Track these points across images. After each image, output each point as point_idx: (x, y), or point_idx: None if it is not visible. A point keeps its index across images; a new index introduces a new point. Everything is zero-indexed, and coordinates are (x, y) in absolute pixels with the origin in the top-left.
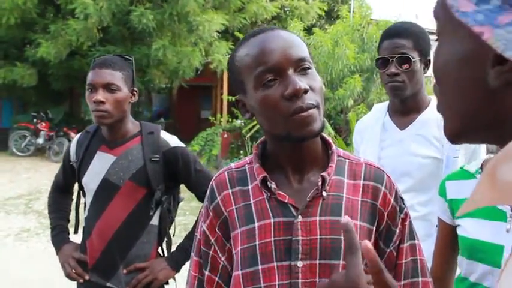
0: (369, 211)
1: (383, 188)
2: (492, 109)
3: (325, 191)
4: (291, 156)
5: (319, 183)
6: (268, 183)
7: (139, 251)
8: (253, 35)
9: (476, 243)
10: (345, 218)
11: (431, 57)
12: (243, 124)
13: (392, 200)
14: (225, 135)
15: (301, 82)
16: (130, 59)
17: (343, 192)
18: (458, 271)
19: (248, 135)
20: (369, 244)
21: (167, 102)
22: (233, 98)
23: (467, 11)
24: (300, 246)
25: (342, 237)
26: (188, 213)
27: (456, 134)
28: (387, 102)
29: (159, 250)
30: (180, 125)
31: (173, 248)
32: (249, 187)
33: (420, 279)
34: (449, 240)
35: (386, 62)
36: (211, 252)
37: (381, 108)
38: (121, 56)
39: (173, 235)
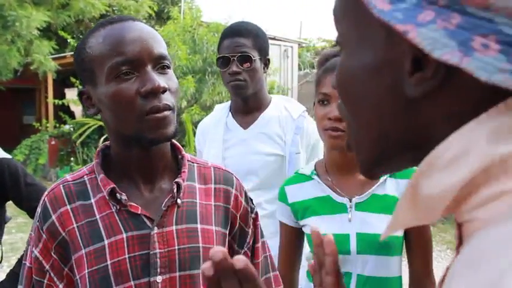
0: (222, 215)
1: (234, 191)
2: (412, 124)
3: (179, 198)
4: (141, 162)
5: (174, 190)
6: (118, 194)
7: None
8: (111, 23)
9: None
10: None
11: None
12: (72, 129)
13: (243, 201)
14: (53, 142)
15: (160, 80)
16: None
17: (196, 198)
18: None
19: (79, 141)
20: (244, 260)
21: None
22: (60, 102)
23: (385, 9)
24: (158, 260)
25: (200, 245)
26: (15, 230)
27: (371, 162)
28: (229, 102)
29: None
30: None
31: (2, 276)
32: (92, 201)
33: (271, 273)
34: (293, 240)
35: (228, 61)
36: (45, 281)
37: (222, 108)
38: None
39: (0, 261)
